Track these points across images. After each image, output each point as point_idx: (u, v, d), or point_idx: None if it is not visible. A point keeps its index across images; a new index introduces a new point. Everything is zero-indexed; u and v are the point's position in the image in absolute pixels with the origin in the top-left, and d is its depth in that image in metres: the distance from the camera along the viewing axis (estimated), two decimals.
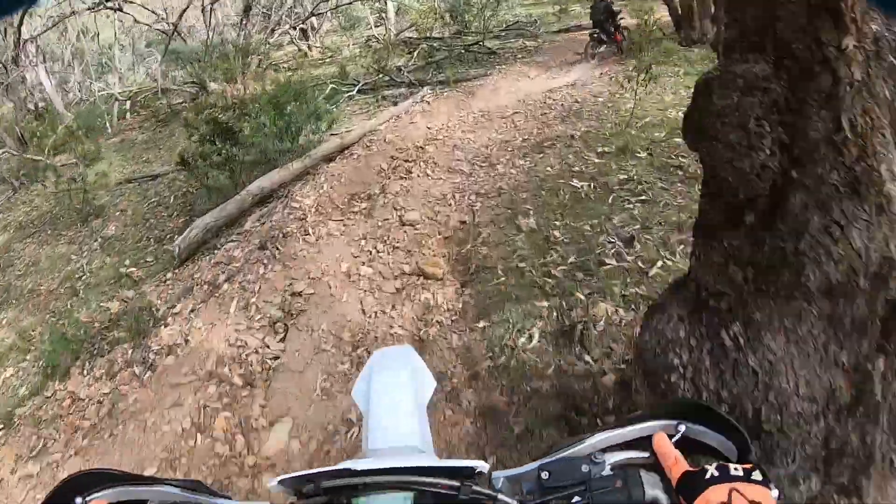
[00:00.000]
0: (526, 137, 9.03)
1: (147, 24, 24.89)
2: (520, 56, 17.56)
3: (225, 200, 8.19)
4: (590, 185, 6.82)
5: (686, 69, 11.22)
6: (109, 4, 24.90)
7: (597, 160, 7.53)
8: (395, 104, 13.50)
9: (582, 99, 10.86)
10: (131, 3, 23.83)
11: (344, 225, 7.03)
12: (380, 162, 9.11)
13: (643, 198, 6.29)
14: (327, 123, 10.75)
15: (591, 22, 14.88)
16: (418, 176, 8.16)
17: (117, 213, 11.01)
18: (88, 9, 24.90)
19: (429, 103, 12.69)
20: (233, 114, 8.33)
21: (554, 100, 11.28)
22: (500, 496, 0.89)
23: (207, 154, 8.18)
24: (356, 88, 15.90)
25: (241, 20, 25.10)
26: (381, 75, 16.33)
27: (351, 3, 26.52)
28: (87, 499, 0.90)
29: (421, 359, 1.47)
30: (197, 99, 20.16)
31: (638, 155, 7.51)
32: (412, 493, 0.88)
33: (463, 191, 7.45)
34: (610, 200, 6.39)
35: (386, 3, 25.89)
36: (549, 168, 7.48)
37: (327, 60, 24.39)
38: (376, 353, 1.52)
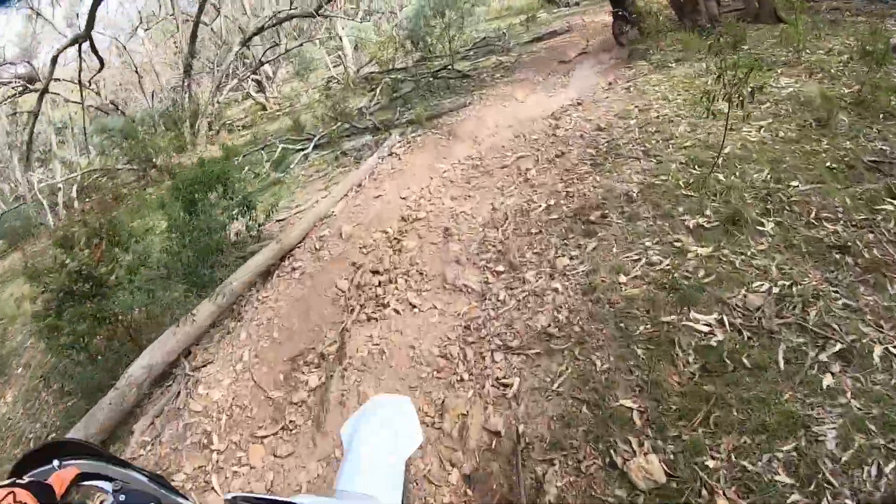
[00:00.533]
0: (551, 201, 5.62)
1: (77, 103, 21.53)
2: (497, 75, 14.33)
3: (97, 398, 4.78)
4: (721, 320, 3.43)
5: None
6: (34, 87, 21.71)
7: (697, 247, 4.16)
8: (358, 161, 10.15)
9: (606, 124, 7.53)
10: (57, 80, 20.52)
11: (275, 455, 3.62)
12: (335, 279, 5.78)
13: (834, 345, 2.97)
14: (265, 213, 7.40)
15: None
16: (396, 309, 4.78)
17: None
18: (9, 97, 21.72)
19: (399, 157, 9.33)
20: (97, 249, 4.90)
21: (565, 129, 7.97)
22: None
23: (59, 327, 4.79)
24: (312, 144, 12.58)
25: (183, 81, 21.79)
26: (339, 123, 13.00)
27: (301, 46, 23.31)
28: (63, 462, 1.00)
29: (415, 412, 1.37)
30: (144, 178, 16.84)
31: (761, 228, 4.17)
32: None
33: (477, 338, 4.08)
34: (780, 364, 3.03)
35: (341, 39, 22.60)
36: (618, 274, 4.11)
37: (285, 110, 21.09)
38: (373, 399, 1.47)
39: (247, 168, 11.29)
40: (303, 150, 12.45)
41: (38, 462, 1.00)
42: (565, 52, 15.10)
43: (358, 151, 11.13)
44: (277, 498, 0.94)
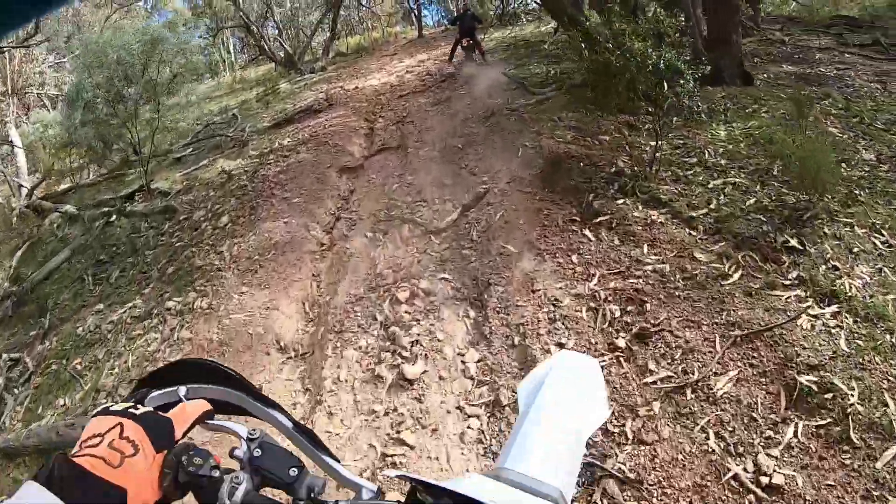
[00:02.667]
0: None
1: None
2: (233, 213, 6.48)
3: None
4: None
5: None
6: None
7: None
8: None
9: None
10: None
11: None
12: None
13: None
14: None
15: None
16: None
17: None
18: None
19: None
20: None
21: None
22: None
23: None
24: None
25: None
26: None
27: None
28: (190, 391, 0.80)
29: (604, 379, 1.22)
30: None
31: None
32: None
33: None
34: None
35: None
36: None
37: None
38: (560, 354, 1.15)
39: None
40: None
41: (163, 383, 0.79)
42: (343, 148, 7.65)
43: None
44: (448, 486, 0.67)
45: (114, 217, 8.77)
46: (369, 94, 11.16)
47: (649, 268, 3.73)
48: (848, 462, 2.49)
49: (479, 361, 3.50)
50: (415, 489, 0.74)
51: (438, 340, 3.68)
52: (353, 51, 18.31)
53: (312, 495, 0.75)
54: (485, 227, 4.65)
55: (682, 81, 4.32)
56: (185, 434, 0.71)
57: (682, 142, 4.93)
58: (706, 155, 4.77)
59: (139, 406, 0.70)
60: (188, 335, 4.50)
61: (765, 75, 6.40)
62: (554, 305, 3.63)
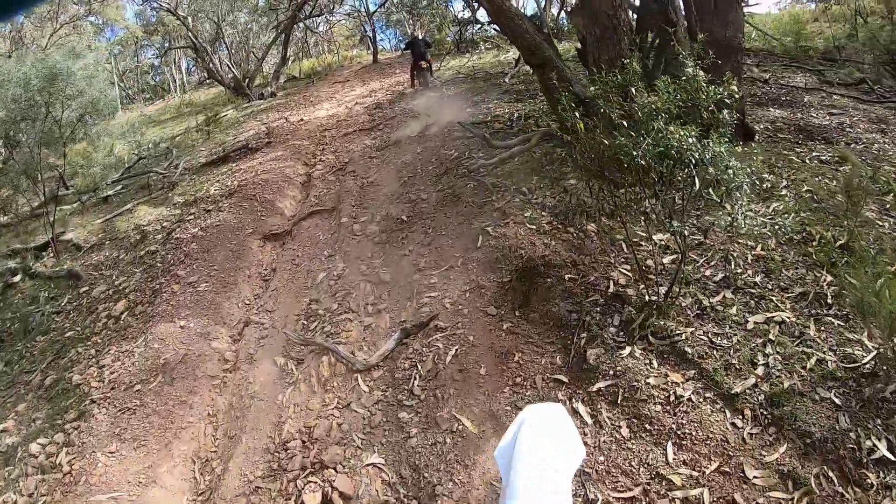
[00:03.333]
0: None
1: None
2: (133, 297, 4.88)
3: None
4: None
5: None
6: None
7: None
8: None
9: None
10: None
11: None
12: None
13: None
14: None
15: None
16: None
17: None
18: None
19: None
20: None
21: None
22: None
23: None
24: None
25: None
26: None
27: None
28: None
29: (572, 422, 1.01)
30: None
31: None
32: None
33: None
34: None
35: None
36: None
37: None
38: (526, 409, 1.07)
39: None
40: None
41: None
42: (272, 204, 6.07)
43: None
44: None
45: (17, 277, 7.07)
46: (313, 128, 9.56)
47: (679, 494, 2.31)
48: None
49: None
50: None
51: None
52: (305, 75, 16.52)
53: None
54: (431, 374, 3.18)
55: (730, 174, 2.85)
56: None
57: (694, 237, 3.53)
58: (733, 266, 3.39)
59: None
60: None
61: (760, 126, 5.09)
62: None
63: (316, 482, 2.72)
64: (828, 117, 5.53)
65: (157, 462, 3.43)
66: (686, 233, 3.04)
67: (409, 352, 3.43)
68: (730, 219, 2.96)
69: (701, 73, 3.10)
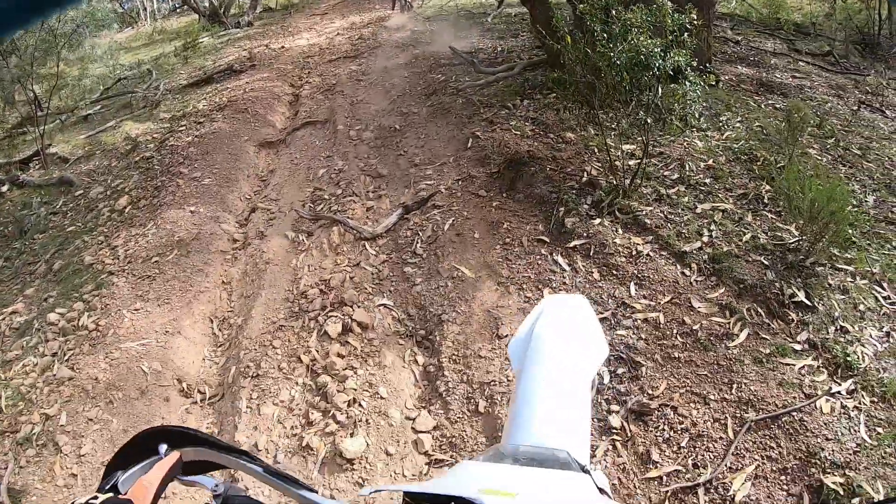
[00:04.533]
0: None
1: None
2: (134, 193, 5.08)
3: None
4: None
5: None
6: None
7: None
8: None
9: None
10: None
11: None
12: None
13: None
14: None
15: None
16: None
17: None
18: None
19: None
20: None
21: None
22: None
23: None
24: None
25: None
26: None
27: None
28: (170, 449, 0.76)
29: (595, 317, 0.98)
30: None
31: None
32: None
33: None
34: None
35: None
36: None
37: None
38: (545, 300, 1.05)
39: None
40: None
41: (129, 460, 0.76)
42: (263, 117, 6.26)
43: None
44: (436, 492, 0.59)
45: (5, 188, 7.07)
46: (296, 55, 9.60)
47: (640, 316, 2.85)
48: None
49: (434, 430, 2.53)
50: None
51: (381, 398, 2.69)
52: (281, 7, 16.15)
53: None
54: (431, 238, 3.62)
55: (687, 86, 3.33)
56: (155, 499, 0.69)
57: (658, 150, 4.00)
58: (687, 169, 3.89)
59: (98, 495, 0.66)
60: (69, 373, 3.25)
61: (725, 77, 5.55)
62: None
63: (336, 315, 3.13)
64: (790, 78, 6.00)
65: (181, 317, 3.77)
66: (648, 139, 3.55)
67: (410, 224, 3.84)
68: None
69: (668, 2, 3.54)
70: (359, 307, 3.21)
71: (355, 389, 2.74)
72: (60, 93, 9.54)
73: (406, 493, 0.66)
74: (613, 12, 3.54)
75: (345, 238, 3.86)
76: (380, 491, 0.67)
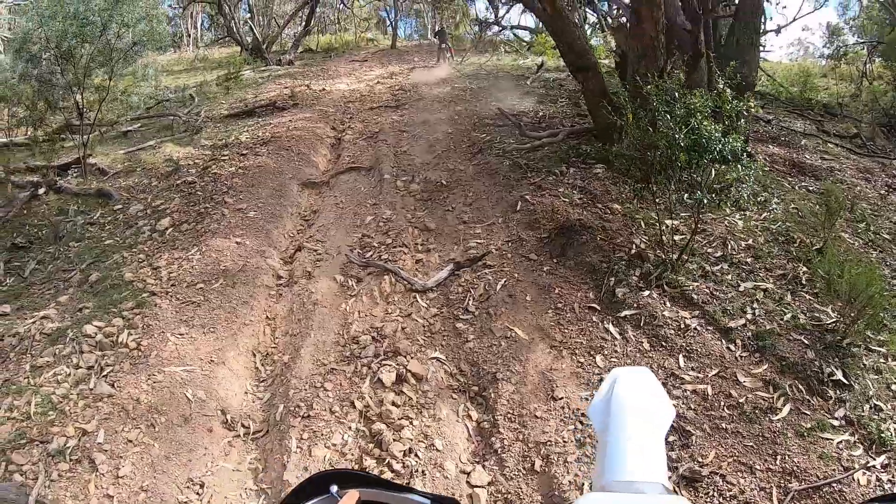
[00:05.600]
0: None
1: None
2: (176, 216, 5.14)
3: None
4: None
5: None
6: None
7: None
8: None
9: None
10: None
11: None
12: None
13: None
14: None
15: None
16: None
17: None
18: None
19: None
20: None
21: None
22: None
23: None
24: None
25: None
26: None
27: None
28: (342, 490, 0.78)
29: (659, 383, 0.98)
30: None
31: None
32: None
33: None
34: None
35: None
36: None
37: None
38: (616, 371, 1.04)
39: None
40: None
41: (314, 491, 0.78)
42: (307, 157, 6.43)
43: None
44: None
45: (42, 190, 7.12)
46: (337, 98, 9.91)
47: (689, 387, 2.93)
48: None
49: (489, 485, 2.53)
50: None
51: (437, 450, 2.69)
52: (322, 49, 16.76)
53: None
54: (483, 297, 3.68)
55: (740, 168, 3.52)
56: None
57: (701, 227, 4.14)
58: (729, 248, 4.02)
59: None
60: (108, 390, 3.22)
61: (759, 157, 5.79)
62: (581, 423, 2.72)
63: (390, 364, 3.16)
64: (820, 160, 6.25)
65: (225, 347, 3.78)
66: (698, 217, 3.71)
67: (461, 281, 3.92)
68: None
69: (728, 89, 3.76)
70: (412, 358, 3.24)
71: (411, 440, 2.74)
72: (104, 106, 9.76)
73: None
74: (677, 94, 3.76)
75: (395, 288, 3.92)
76: None
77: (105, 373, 3.68)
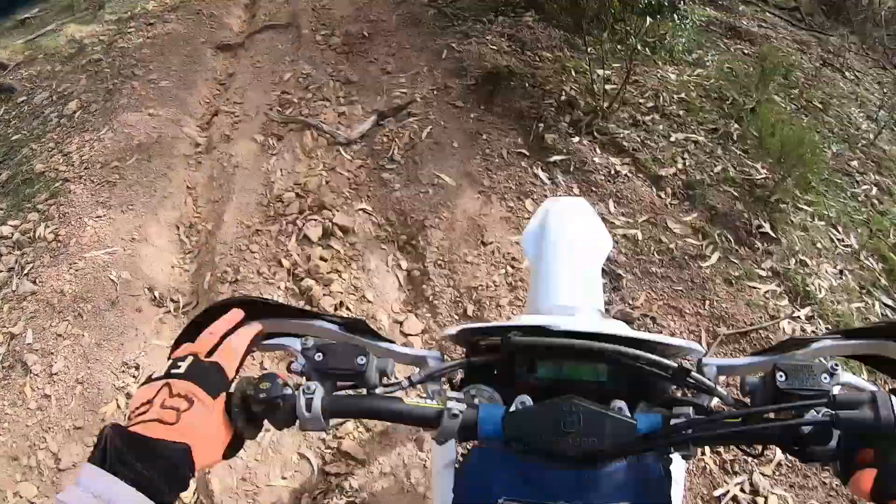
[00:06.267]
0: None
1: None
2: (84, 98, 4.66)
3: None
4: None
5: None
6: None
7: None
8: None
9: None
10: None
11: None
12: None
13: None
14: None
15: None
16: None
17: None
18: None
19: None
20: None
21: None
22: (719, 389, 0.63)
23: None
24: None
25: None
26: None
27: None
28: (247, 320, 0.71)
29: (595, 213, 1.02)
30: None
31: None
32: (606, 367, 0.63)
33: None
34: None
35: None
36: None
37: None
38: (550, 201, 1.13)
39: None
40: None
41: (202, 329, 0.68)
42: (220, 19, 5.87)
43: None
44: (513, 324, 0.62)
45: None
46: None
47: (619, 232, 2.87)
48: (827, 481, 2.16)
49: (423, 333, 2.50)
50: (475, 341, 0.68)
51: (368, 302, 2.63)
52: None
53: (385, 378, 0.68)
54: (409, 146, 3.46)
55: (676, 18, 3.22)
56: (239, 367, 0.64)
57: (633, 79, 3.89)
58: (661, 100, 3.82)
59: (180, 364, 0.59)
60: (31, 287, 3.03)
61: (695, 16, 5.37)
62: (512, 266, 2.65)
63: (316, 219, 2.99)
64: (757, 27, 5.86)
65: (147, 223, 3.55)
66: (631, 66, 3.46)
67: (386, 131, 3.66)
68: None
69: None
70: (338, 211, 3.06)
71: (341, 293, 2.66)
72: None
73: (480, 329, 0.66)
74: None
75: (318, 143, 3.65)
76: (463, 330, 0.67)
77: (26, 271, 3.45)
